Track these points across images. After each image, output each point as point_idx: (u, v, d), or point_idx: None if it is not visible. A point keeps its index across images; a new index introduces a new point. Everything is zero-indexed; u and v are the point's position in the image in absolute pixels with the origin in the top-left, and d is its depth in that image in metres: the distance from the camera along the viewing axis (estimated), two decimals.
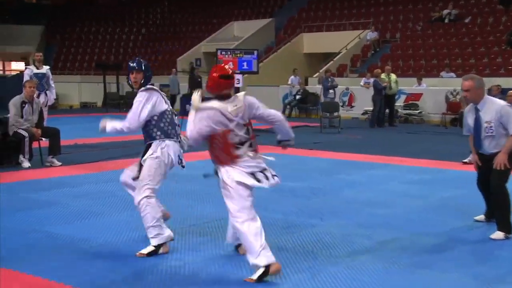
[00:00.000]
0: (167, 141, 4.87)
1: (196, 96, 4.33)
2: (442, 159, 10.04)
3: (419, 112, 18.11)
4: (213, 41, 27.32)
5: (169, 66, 26.40)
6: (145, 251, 4.70)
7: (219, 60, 13.43)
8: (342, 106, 18.58)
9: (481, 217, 5.79)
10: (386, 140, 13.55)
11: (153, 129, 4.87)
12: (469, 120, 5.54)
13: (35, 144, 9.24)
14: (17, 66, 34.21)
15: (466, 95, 5.47)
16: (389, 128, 16.31)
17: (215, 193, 6.20)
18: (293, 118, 19.77)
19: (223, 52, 13.60)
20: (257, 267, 4.13)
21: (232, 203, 4.26)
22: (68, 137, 11.40)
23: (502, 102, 5.43)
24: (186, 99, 13.09)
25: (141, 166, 4.87)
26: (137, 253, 4.70)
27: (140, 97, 4.86)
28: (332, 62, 23.60)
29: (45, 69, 11.85)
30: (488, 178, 5.37)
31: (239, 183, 4.25)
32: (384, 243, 5.09)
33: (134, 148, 10.09)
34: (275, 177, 4.37)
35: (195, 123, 4.26)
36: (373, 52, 23.84)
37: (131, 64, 4.99)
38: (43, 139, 9.33)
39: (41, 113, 9.45)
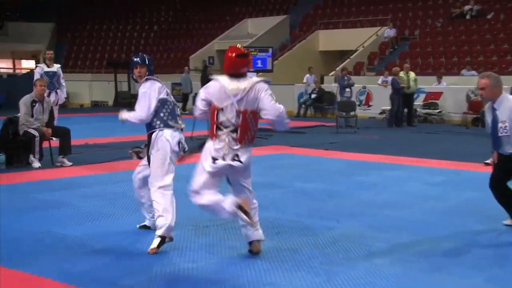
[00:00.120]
0: (165, 130, 5.00)
1: None
2: (463, 160, 9.97)
3: (439, 112, 17.99)
4: (226, 39, 27.36)
5: (181, 64, 26.51)
6: (154, 245, 4.79)
7: None
8: (359, 105, 18.52)
9: (510, 221, 5.72)
10: (404, 140, 13.48)
11: (153, 118, 5.02)
12: (488, 119, 5.52)
13: (45, 144, 9.32)
14: (28, 64, 34.54)
15: (482, 93, 5.45)
16: (408, 128, 16.23)
17: (228, 194, 6.20)
18: (309, 118, 19.76)
19: None
20: None
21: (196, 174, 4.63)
22: (79, 137, 11.49)
23: None
24: None
25: (149, 158, 5.05)
26: (149, 250, 4.78)
27: (144, 88, 5.04)
28: (348, 60, 23.52)
29: (56, 67, 11.96)
30: (502, 179, 5.34)
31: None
32: (401, 246, 5.07)
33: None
34: (235, 161, 4.53)
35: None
36: (391, 49, 23.73)
37: (135, 59, 5.19)
38: (54, 138, 9.41)
39: (51, 112, 9.53)
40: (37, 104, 9.17)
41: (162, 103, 5.04)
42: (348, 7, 27.88)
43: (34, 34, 32.13)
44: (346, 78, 17.49)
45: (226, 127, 4.49)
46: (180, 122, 5.13)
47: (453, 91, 18.10)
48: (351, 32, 25.19)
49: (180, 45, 30.78)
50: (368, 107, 19.68)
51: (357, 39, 23.92)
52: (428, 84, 18.63)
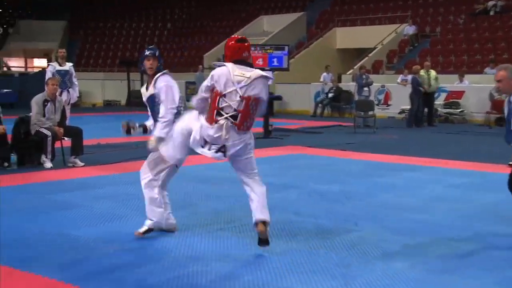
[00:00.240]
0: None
1: None
2: (486, 161, 9.89)
3: (460, 111, 17.87)
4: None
5: (195, 63, 26.61)
6: (142, 230, 5.25)
7: None
8: (377, 105, 18.46)
9: None
10: (424, 141, 13.40)
11: (158, 111, 5.21)
12: (506, 113, 5.45)
13: (57, 144, 9.38)
14: (40, 63, 34.86)
15: (499, 86, 5.41)
16: (428, 128, 16.14)
17: (244, 195, 6.21)
18: (326, 118, 19.72)
19: (252, 48, 13.55)
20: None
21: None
22: (91, 137, 11.57)
23: None
24: None
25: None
26: (135, 232, 5.25)
27: (165, 81, 5.23)
28: (367, 58, 23.45)
29: (68, 66, 12.07)
30: None
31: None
32: (421, 250, 5.04)
33: None
34: (220, 153, 4.72)
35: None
36: (411, 47, 23.60)
37: (148, 52, 5.38)
38: (66, 138, 9.48)
39: (63, 112, 9.60)
40: (49, 104, 9.25)
41: None
42: (366, 3, 27.77)
43: (46, 32, 32.42)
44: (364, 76, 17.43)
45: (227, 112, 4.65)
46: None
47: (476, 90, 17.96)
48: (369, 29, 25.11)
49: (194, 43, 30.88)
50: (387, 106, 19.60)
51: (376, 36, 23.83)
52: (449, 82, 18.51)
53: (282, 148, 11.84)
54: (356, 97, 17.69)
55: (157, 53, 5.39)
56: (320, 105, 20.74)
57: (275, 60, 13.53)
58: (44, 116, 9.19)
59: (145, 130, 5.47)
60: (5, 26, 37.58)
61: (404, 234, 5.53)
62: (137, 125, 5.46)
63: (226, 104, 4.64)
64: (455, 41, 22.59)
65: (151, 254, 4.89)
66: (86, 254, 4.86)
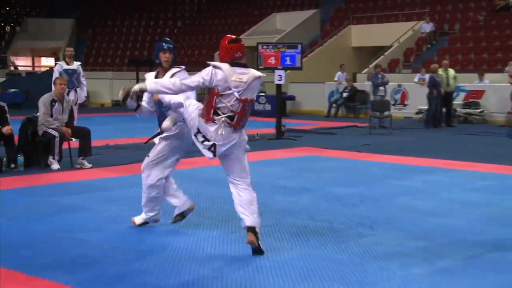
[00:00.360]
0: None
1: None
2: (507, 164, 9.79)
3: (480, 111, 17.73)
4: (253, 34, 27.41)
5: (206, 62, 26.63)
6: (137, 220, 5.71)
7: (260, 55, 13.44)
8: (393, 105, 18.36)
9: None
10: (443, 142, 13.32)
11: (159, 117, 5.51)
12: None
13: (64, 145, 9.43)
14: (47, 62, 35.10)
15: None
16: (447, 129, 16.04)
17: (262, 200, 6.20)
18: (340, 118, 19.66)
19: (265, 46, 13.60)
20: None
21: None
22: (99, 138, 11.62)
23: None
24: None
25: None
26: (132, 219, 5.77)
27: (185, 74, 5.39)
28: (383, 56, 23.36)
29: (76, 65, 12.12)
30: None
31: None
32: (441, 256, 4.99)
33: None
34: (210, 152, 4.89)
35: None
36: (428, 45, 23.48)
37: (167, 44, 5.56)
38: (73, 139, 9.52)
39: (71, 112, 9.64)
40: (56, 104, 9.28)
41: None
42: (382, 0, 27.67)
43: (54, 31, 32.65)
44: (380, 75, 17.35)
45: (223, 113, 4.83)
46: None
47: (496, 89, 17.82)
48: (385, 26, 25.01)
49: (205, 41, 30.95)
50: (403, 106, 19.50)
51: (392, 34, 23.74)
52: (468, 82, 18.39)
53: (295, 149, 11.81)
54: (372, 97, 17.61)
55: (174, 47, 5.56)
56: (334, 105, 20.68)
57: (288, 59, 13.50)
58: (51, 116, 9.23)
59: (138, 106, 5.53)
60: (12, 24, 37.89)
61: (422, 238, 5.48)
62: (135, 97, 5.40)
63: (223, 104, 4.83)
64: (475, 39, 22.43)
65: (161, 258, 4.88)
66: (93, 258, 4.87)
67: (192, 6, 34.86)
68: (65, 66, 11.97)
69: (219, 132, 4.83)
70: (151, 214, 5.75)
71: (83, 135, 9.40)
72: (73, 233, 5.60)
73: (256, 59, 13.66)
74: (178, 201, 5.73)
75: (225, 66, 4.83)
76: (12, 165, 9.04)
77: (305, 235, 5.57)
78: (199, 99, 5.39)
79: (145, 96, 5.52)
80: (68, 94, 10.73)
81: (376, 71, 17.79)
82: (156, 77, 5.54)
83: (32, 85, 23.71)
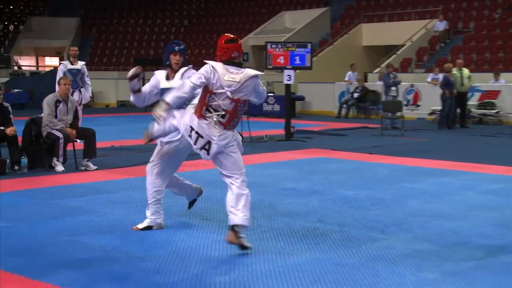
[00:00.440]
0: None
1: None
2: None
3: (496, 112, 17.67)
4: (261, 33, 27.45)
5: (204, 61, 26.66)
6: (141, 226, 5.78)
7: (269, 54, 13.45)
8: (406, 105, 18.34)
9: None
10: (457, 143, 13.28)
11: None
12: None
13: (69, 147, 9.46)
14: (52, 61, 35.26)
15: None
16: (461, 130, 15.98)
17: (271, 202, 6.22)
18: (351, 119, 19.64)
19: (273, 46, 13.60)
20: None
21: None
22: (104, 139, 11.66)
23: None
24: None
25: None
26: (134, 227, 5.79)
27: (194, 72, 5.49)
28: (395, 56, 23.32)
29: (80, 64, 12.16)
30: None
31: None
32: (455, 261, 4.98)
33: None
34: (203, 151, 5.05)
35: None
36: (442, 44, 23.42)
37: (178, 47, 5.79)
38: (78, 140, 9.55)
39: (76, 113, 9.67)
40: (61, 104, 9.33)
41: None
42: None
43: (58, 30, 32.80)
44: (392, 75, 17.33)
45: (215, 110, 4.99)
46: None
47: None
48: (397, 25, 24.97)
49: (212, 40, 30.99)
50: (416, 107, 19.46)
51: (405, 32, 23.69)
52: (484, 81, 18.33)
53: (304, 151, 11.81)
54: (383, 97, 17.60)
55: (184, 50, 5.80)
56: (345, 105, 20.66)
57: (297, 58, 13.50)
58: (56, 117, 9.27)
59: (137, 91, 5.83)
60: (16, 23, 38.08)
61: (435, 242, 5.47)
62: (140, 82, 5.74)
63: (216, 103, 4.99)
64: (490, 37, 22.34)
65: (167, 264, 4.89)
66: (98, 262, 4.89)
67: (199, 4, 34.93)
68: (69, 66, 12.01)
69: (211, 128, 4.99)
70: (155, 217, 5.81)
71: (88, 136, 9.43)
72: (77, 236, 5.62)
73: (265, 59, 13.68)
74: (187, 192, 6.14)
75: (218, 65, 5.02)
76: (16, 167, 9.09)
77: (314, 239, 5.57)
78: None
79: (148, 86, 5.83)
80: (72, 94, 10.78)
81: (388, 71, 17.77)
82: (167, 77, 5.79)
83: (36, 85, 23.85)
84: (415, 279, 4.53)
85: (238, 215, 5.03)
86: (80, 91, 11.97)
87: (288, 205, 6.97)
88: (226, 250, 5.21)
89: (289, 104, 14.56)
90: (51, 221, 6.23)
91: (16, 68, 33.12)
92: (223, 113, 4.99)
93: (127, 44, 32.87)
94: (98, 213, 6.58)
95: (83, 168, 9.35)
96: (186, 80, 5.16)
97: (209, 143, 5.02)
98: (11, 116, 9.37)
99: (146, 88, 5.85)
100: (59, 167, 9.18)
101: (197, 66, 5.23)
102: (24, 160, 9.16)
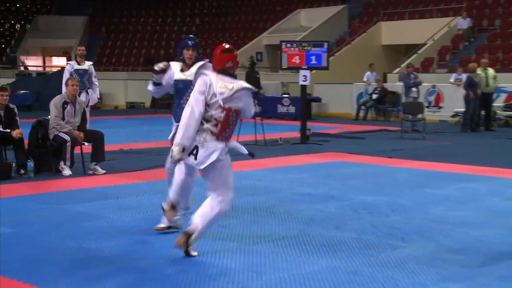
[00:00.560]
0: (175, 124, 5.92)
1: None
2: None
3: None
4: (276, 32, 27.47)
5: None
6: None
7: (284, 54, 13.46)
8: (427, 107, 18.25)
9: None
10: (481, 147, 13.19)
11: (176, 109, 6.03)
12: None
13: (76, 150, 9.50)
14: (59, 61, 35.51)
15: None
16: (485, 133, 15.89)
17: (285, 208, 6.20)
18: (369, 121, 19.59)
19: (288, 45, 13.60)
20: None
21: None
22: (113, 142, 11.71)
23: None
24: None
25: None
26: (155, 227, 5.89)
27: (210, 66, 5.70)
28: (415, 55, 23.24)
29: (87, 65, 12.22)
30: None
31: None
32: (479, 270, 4.95)
33: None
34: (191, 156, 5.14)
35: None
36: (465, 42, 23.30)
37: (192, 41, 6.16)
38: (86, 143, 9.59)
39: (84, 115, 9.71)
40: (68, 106, 9.37)
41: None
42: None
43: (66, 29, 33.04)
44: (412, 76, 17.26)
45: (208, 121, 5.13)
46: None
47: None
48: (418, 23, 24.89)
49: (225, 39, 31.05)
50: (438, 109, 19.37)
51: (426, 31, 23.61)
52: (510, 82, 18.20)
53: (321, 155, 11.79)
54: (404, 99, 17.52)
55: (198, 45, 6.13)
56: (363, 107, 20.61)
57: (313, 58, 13.49)
58: (63, 119, 9.31)
59: (159, 84, 6.22)
60: (22, 22, 38.42)
61: (458, 251, 5.44)
62: (160, 72, 6.11)
63: (209, 113, 5.14)
64: None
65: (177, 271, 4.90)
66: (106, 270, 4.90)
67: (212, 2, 35.04)
68: (76, 66, 12.07)
69: (202, 137, 5.10)
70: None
71: (96, 139, 9.47)
72: (84, 243, 5.65)
73: (280, 58, 13.68)
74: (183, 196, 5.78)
75: (212, 74, 5.23)
76: (22, 171, 9.14)
77: (331, 246, 5.56)
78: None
79: (165, 78, 6.20)
80: (79, 95, 10.83)
81: (408, 71, 17.70)
82: (182, 70, 6.20)
83: (43, 86, 23.99)
84: None
85: (194, 221, 5.15)
86: (87, 92, 12.03)
87: (304, 211, 6.96)
88: (239, 260, 5.20)
89: (304, 105, 14.55)
90: (57, 227, 6.26)
91: (22, 68, 33.38)
92: (215, 122, 5.13)
93: (136, 43, 33.02)
94: (107, 218, 6.60)
95: (91, 172, 9.39)
96: (191, 100, 5.19)
97: (196, 148, 5.13)
98: (17, 118, 9.44)
99: (166, 78, 6.24)
100: (66, 171, 9.23)
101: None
102: (30, 164, 9.21)
